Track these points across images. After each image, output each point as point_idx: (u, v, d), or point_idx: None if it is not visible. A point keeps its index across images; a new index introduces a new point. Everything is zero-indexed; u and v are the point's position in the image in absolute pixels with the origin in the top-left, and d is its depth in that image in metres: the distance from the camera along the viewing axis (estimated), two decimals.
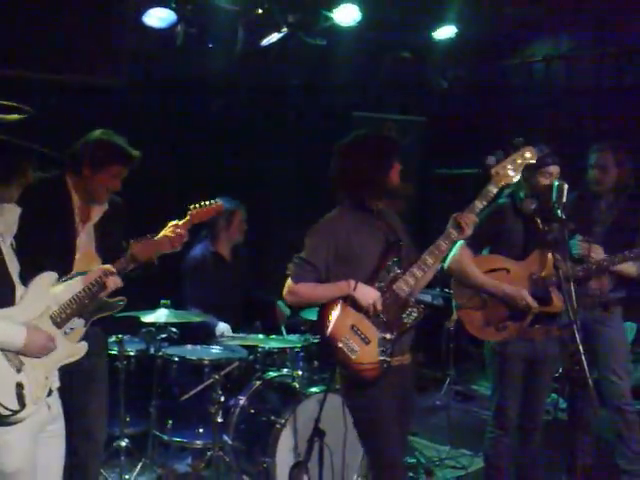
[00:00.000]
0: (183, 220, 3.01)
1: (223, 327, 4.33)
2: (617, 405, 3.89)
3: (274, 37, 5.04)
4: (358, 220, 2.91)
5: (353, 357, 2.80)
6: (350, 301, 2.84)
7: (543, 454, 3.64)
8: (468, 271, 3.50)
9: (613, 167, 3.88)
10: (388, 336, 2.85)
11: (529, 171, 3.42)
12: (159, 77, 4.97)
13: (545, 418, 3.76)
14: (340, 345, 2.80)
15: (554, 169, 3.41)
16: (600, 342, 3.89)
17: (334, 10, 5.08)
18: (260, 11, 4.88)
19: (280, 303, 4.63)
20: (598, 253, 3.70)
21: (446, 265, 3.57)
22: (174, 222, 3.00)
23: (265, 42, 5.07)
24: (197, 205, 3.08)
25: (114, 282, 2.72)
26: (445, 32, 5.69)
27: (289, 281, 2.91)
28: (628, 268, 3.71)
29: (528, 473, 3.64)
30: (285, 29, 4.99)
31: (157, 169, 4.83)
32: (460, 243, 3.51)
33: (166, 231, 2.96)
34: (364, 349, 2.82)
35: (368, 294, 2.82)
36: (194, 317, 4.15)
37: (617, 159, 3.88)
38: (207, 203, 3.11)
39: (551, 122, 6.13)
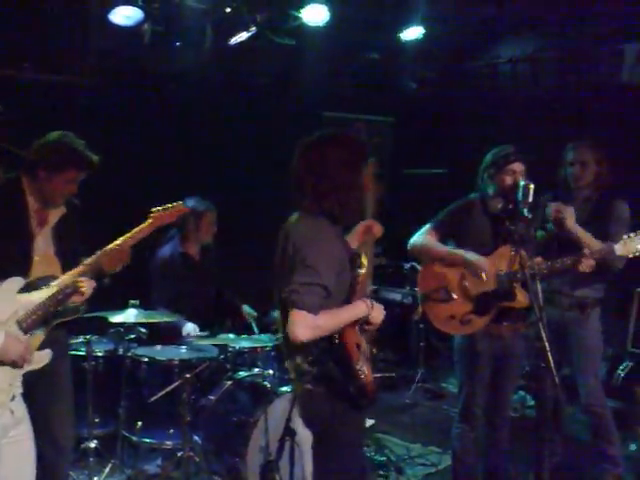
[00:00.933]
0: (145, 224, 2.99)
1: (190, 327, 4.30)
2: (588, 405, 3.95)
3: (242, 36, 5.03)
4: (334, 232, 2.68)
5: (364, 379, 2.61)
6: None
7: (511, 450, 3.69)
8: (431, 245, 3.56)
9: (592, 163, 3.89)
10: (374, 351, 2.84)
11: (494, 169, 3.50)
12: (126, 75, 4.93)
13: (513, 415, 3.82)
14: (358, 367, 2.58)
15: (517, 167, 3.45)
16: (575, 343, 3.95)
17: (302, 10, 5.08)
18: (228, 10, 4.86)
19: (246, 308, 4.62)
20: (569, 214, 3.72)
21: (410, 244, 3.64)
22: (138, 227, 2.98)
23: (233, 41, 5.06)
24: (159, 208, 3.05)
25: (90, 286, 2.72)
26: (413, 33, 5.73)
27: (303, 314, 2.41)
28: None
29: (496, 469, 3.69)
30: (253, 28, 4.99)
31: (126, 168, 4.80)
32: (426, 226, 3.57)
33: (128, 236, 2.94)
34: (369, 369, 2.66)
35: (380, 313, 2.66)
36: (163, 317, 4.12)
37: (596, 155, 3.90)
38: (170, 206, 3.08)
39: (517, 122, 6.22)
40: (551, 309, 3.90)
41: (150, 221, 3.02)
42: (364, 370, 2.59)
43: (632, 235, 3.51)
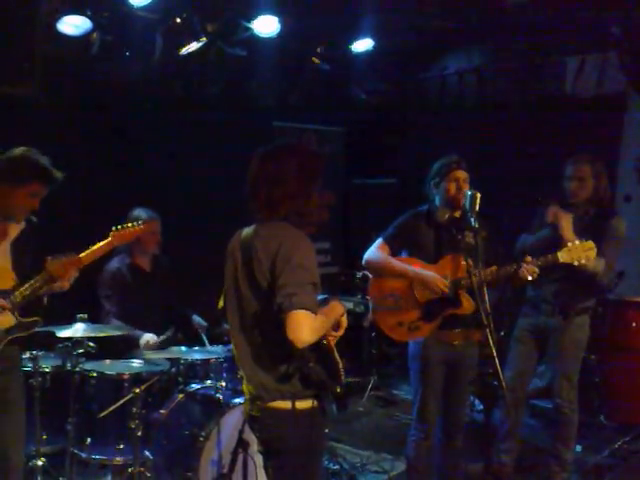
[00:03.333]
0: (104, 242, 3.00)
1: (148, 336, 4.25)
2: (559, 406, 4.05)
3: (193, 46, 5.00)
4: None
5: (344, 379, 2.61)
6: None
7: (464, 456, 3.75)
8: (385, 261, 3.60)
9: (590, 179, 3.92)
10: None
11: (439, 178, 3.56)
12: (74, 85, 4.85)
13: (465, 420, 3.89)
14: (340, 367, 2.57)
15: (460, 174, 3.52)
16: (554, 346, 4.06)
17: (253, 21, 5.10)
18: (179, 20, 4.84)
19: (196, 318, 4.59)
20: (565, 221, 3.79)
21: (364, 260, 3.68)
22: (96, 245, 3.01)
23: (184, 51, 5.03)
24: (119, 227, 3.07)
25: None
26: (363, 45, 5.80)
27: (308, 315, 2.34)
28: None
29: (450, 475, 3.74)
30: (204, 39, 4.97)
31: (74, 179, 4.72)
32: (378, 240, 3.62)
33: (86, 253, 2.96)
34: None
35: (345, 315, 2.67)
36: (112, 331, 4.06)
37: (595, 171, 3.93)
38: (130, 225, 3.13)
39: (464, 133, 6.36)
40: (537, 315, 4.03)
41: (109, 240, 3.04)
42: (342, 370, 2.58)
43: (577, 242, 3.56)
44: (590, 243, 3.53)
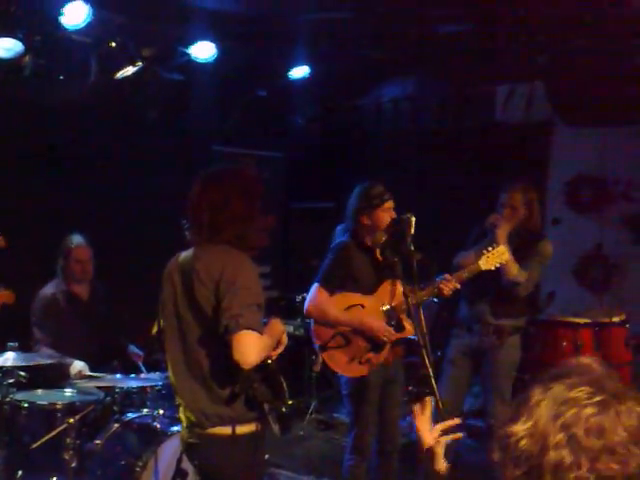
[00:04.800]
0: None
1: (79, 365, 4.13)
2: (492, 426, 4.10)
3: (129, 70, 4.97)
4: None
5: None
6: None
7: (400, 476, 3.78)
8: (327, 311, 3.59)
9: (522, 207, 4.04)
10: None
11: (370, 208, 3.60)
12: (5, 108, 4.75)
13: (402, 440, 3.92)
14: (284, 385, 2.62)
15: (390, 204, 3.62)
16: (488, 366, 4.14)
17: (191, 46, 5.10)
18: (114, 44, 4.80)
19: (132, 348, 4.49)
20: (503, 226, 3.95)
21: (305, 309, 3.67)
22: None
23: (120, 75, 4.99)
24: None
25: None
26: (299, 72, 5.87)
27: (255, 336, 2.35)
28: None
29: None
30: (140, 63, 4.94)
31: (6, 201, 4.62)
32: (314, 287, 3.62)
33: None
34: None
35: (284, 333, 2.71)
36: (43, 359, 3.94)
37: (526, 200, 4.05)
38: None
39: (398, 158, 6.51)
40: (470, 336, 4.11)
41: None
42: (286, 391, 2.59)
43: (490, 249, 3.80)
44: (502, 248, 3.80)
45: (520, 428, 1.20)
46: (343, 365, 3.63)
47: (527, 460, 1.19)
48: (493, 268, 3.77)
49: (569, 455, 1.15)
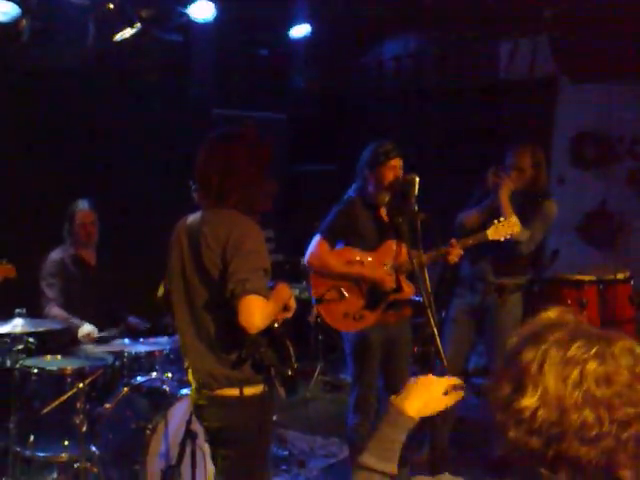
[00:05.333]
0: None
1: (88, 328, 4.16)
2: None
3: (127, 33, 4.89)
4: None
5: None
6: None
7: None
8: (328, 262, 3.61)
9: (529, 169, 3.98)
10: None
11: (376, 165, 3.59)
12: (4, 73, 4.70)
13: None
14: (291, 349, 2.62)
15: (397, 162, 3.57)
16: (490, 325, 4.13)
17: (189, 6, 5.02)
18: (111, 6, 4.72)
19: (132, 319, 4.51)
20: (506, 183, 3.89)
21: (305, 260, 3.68)
22: None
23: (118, 37, 4.91)
24: None
25: None
26: (300, 30, 5.78)
27: (260, 300, 2.36)
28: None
29: None
30: (138, 25, 4.86)
31: (8, 170, 4.59)
32: (316, 237, 3.63)
33: None
34: None
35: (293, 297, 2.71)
36: (52, 325, 3.97)
37: (534, 161, 3.99)
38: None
39: (400, 118, 6.44)
40: (472, 295, 4.11)
41: None
42: (293, 354, 2.59)
43: (502, 220, 3.71)
44: (514, 219, 3.72)
45: (531, 400, 1.21)
46: (337, 319, 3.65)
47: (548, 429, 1.20)
48: (502, 239, 3.70)
49: (590, 412, 1.18)
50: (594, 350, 1.22)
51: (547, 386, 1.21)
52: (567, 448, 1.19)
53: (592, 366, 1.20)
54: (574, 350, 1.22)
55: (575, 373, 1.20)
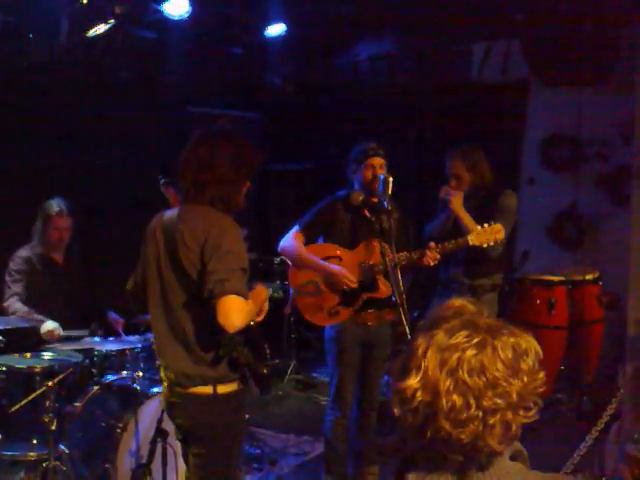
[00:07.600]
0: None
1: (50, 325, 4.06)
2: None
3: (101, 28, 4.85)
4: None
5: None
6: None
7: (377, 432, 3.85)
8: (297, 253, 3.65)
9: (465, 174, 3.97)
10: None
11: (356, 164, 3.63)
12: None
13: (381, 399, 3.98)
14: (266, 347, 2.64)
15: (376, 161, 3.59)
16: None
17: (164, 3, 4.98)
18: (85, 1, 4.67)
19: (111, 314, 4.46)
20: (455, 197, 3.89)
21: (280, 247, 3.71)
22: None
23: (91, 33, 4.87)
24: None
25: None
26: (275, 29, 5.77)
27: (239, 300, 2.36)
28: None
29: (364, 453, 3.84)
30: (112, 20, 4.82)
31: None
32: (294, 228, 3.65)
33: None
34: None
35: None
36: (20, 323, 3.92)
37: (467, 165, 3.97)
38: None
39: (375, 117, 6.47)
40: (447, 295, 4.12)
41: None
42: (267, 352, 2.60)
43: (486, 226, 3.63)
44: (498, 226, 3.62)
45: (413, 381, 1.30)
46: (312, 312, 3.68)
47: (424, 409, 1.29)
48: (485, 246, 3.63)
49: (459, 398, 1.26)
50: (476, 340, 1.28)
51: (426, 370, 1.29)
52: (439, 428, 1.27)
53: (469, 355, 1.27)
54: (458, 338, 1.29)
55: (453, 359, 1.27)
